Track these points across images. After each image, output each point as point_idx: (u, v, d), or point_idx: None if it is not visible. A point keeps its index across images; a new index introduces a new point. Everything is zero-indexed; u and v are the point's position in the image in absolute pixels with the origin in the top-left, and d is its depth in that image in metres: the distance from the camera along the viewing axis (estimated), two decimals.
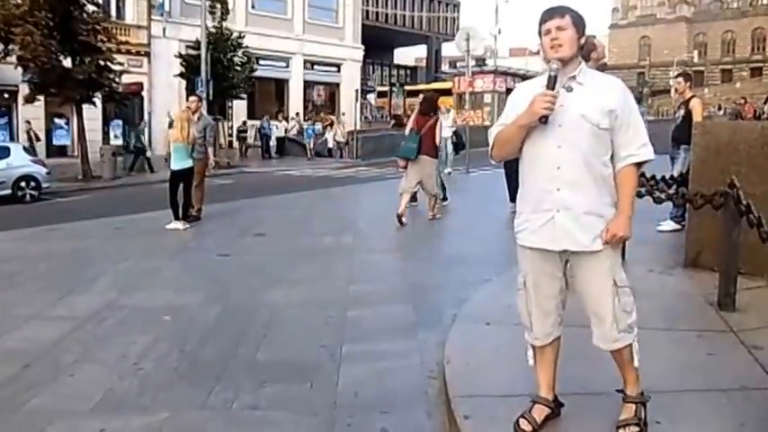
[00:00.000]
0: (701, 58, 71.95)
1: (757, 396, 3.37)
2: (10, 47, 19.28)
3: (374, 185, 16.49)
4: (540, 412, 3.09)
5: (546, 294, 2.99)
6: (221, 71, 24.51)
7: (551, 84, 2.78)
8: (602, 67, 6.03)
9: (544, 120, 2.76)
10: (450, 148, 15.73)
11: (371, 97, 43.27)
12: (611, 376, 3.56)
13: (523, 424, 3.04)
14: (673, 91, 47.73)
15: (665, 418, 3.13)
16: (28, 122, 22.86)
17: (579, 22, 2.83)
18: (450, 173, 15.91)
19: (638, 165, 2.86)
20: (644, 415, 2.96)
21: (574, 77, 2.84)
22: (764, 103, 29.28)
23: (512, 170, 10.25)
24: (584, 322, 4.75)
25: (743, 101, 28.34)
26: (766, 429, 3.06)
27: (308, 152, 28.47)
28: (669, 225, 7.72)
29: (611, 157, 2.83)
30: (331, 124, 30.89)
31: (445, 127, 14.40)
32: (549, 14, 2.83)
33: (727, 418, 3.16)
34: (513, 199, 10.32)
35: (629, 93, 2.90)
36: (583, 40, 2.85)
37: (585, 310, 2.96)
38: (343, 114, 32.58)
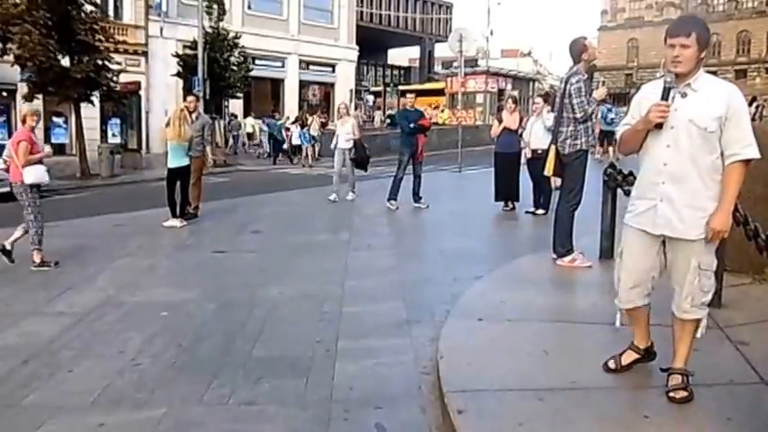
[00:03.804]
0: None
1: (743, 391, 3.45)
2: (8, 46, 19.27)
3: (368, 183, 16.51)
4: (628, 356, 3.61)
5: (637, 268, 3.39)
6: (218, 71, 24.49)
7: (665, 95, 3.14)
8: (592, 68, 6.12)
9: (659, 126, 3.17)
10: (348, 164, 11.97)
11: (370, 98, 43.22)
12: (601, 372, 3.66)
13: (610, 363, 3.62)
14: None
15: (652, 412, 3.21)
16: None
17: (703, 37, 3.14)
18: (352, 198, 12.06)
19: (746, 163, 3.11)
20: (689, 386, 3.29)
21: (689, 84, 3.17)
22: (749, 104, 29.44)
23: (501, 170, 10.35)
24: (573, 318, 4.84)
25: None
26: (752, 423, 3.12)
27: (310, 157, 24.56)
28: None
29: (722, 155, 3.13)
30: (302, 119, 27.88)
31: (341, 135, 11.96)
32: (676, 31, 3.15)
33: (714, 413, 3.23)
34: (497, 198, 10.41)
35: (737, 97, 3.15)
36: (704, 54, 3.15)
37: (671, 283, 3.33)
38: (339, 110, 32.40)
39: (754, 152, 3.10)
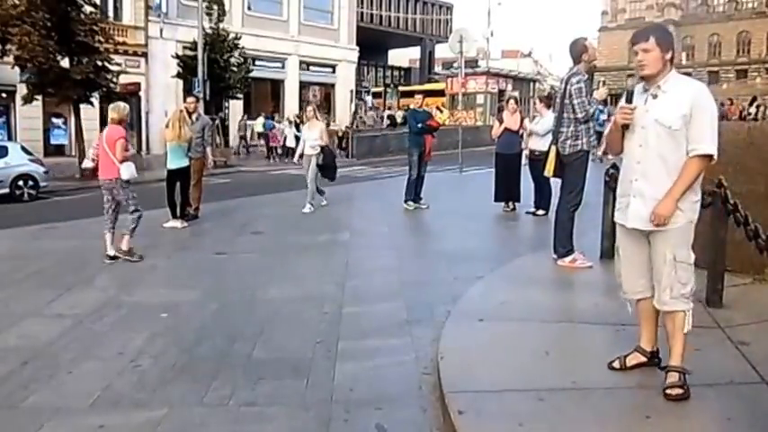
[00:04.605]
0: (688, 60, 72.32)
1: (744, 390, 3.45)
2: (7, 47, 19.29)
3: (369, 184, 16.53)
4: (634, 358, 3.66)
5: (633, 261, 3.54)
6: (218, 72, 24.53)
7: (629, 98, 3.42)
8: (593, 69, 6.12)
9: (626, 127, 3.40)
10: (312, 170, 10.86)
11: (369, 99, 43.26)
12: (602, 373, 3.66)
13: (615, 363, 3.67)
14: None
15: (654, 412, 3.22)
16: None
17: (664, 40, 3.35)
18: (309, 209, 10.78)
19: (705, 158, 3.26)
20: (686, 384, 3.33)
21: (659, 86, 3.36)
22: (749, 104, 29.37)
23: (502, 171, 10.34)
24: (574, 318, 4.84)
25: (729, 102, 28.34)
26: (753, 423, 3.12)
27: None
28: None
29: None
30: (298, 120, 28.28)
31: (308, 141, 11.02)
32: (636, 39, 3.39)
33: (715, 413, 3.25)
34: (497, 199, 10.40)
35: (703, 96, 3.31)
36: (669, 55, 3.35)
37: (653, 278, 3.46)
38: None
39: (709, 148, 3.24)
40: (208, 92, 23.13)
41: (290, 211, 11.47)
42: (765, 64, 65.24)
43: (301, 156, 11.29)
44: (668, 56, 3.34)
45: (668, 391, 3.31)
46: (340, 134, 29.17)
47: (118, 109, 7.70)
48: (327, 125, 27.67)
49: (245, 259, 7.53)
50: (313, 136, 10.94)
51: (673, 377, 3.35)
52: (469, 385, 3.54)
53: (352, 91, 34.30)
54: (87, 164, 7.99)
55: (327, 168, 11.10)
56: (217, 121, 26.83)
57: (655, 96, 3.36)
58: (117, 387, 3.93)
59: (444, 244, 8.16)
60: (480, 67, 42.11)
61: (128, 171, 7.41)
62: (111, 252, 7.39)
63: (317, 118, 11.29)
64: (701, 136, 3.24)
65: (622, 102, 3.47)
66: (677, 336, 3.39)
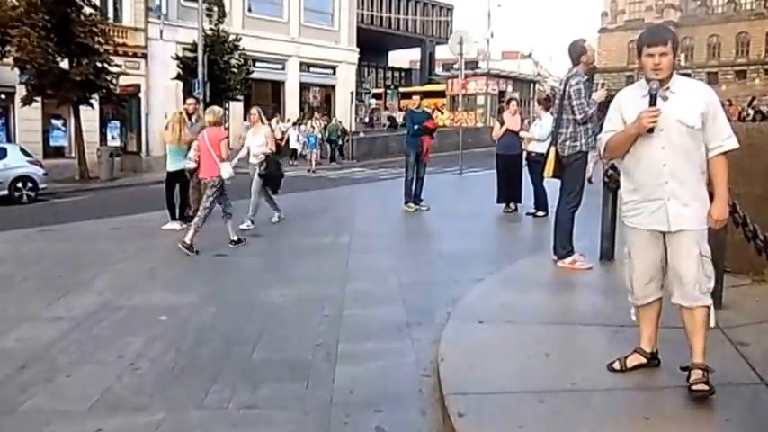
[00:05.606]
0: (687, 62, 72.50)
1: (743, 391, 3.45)
2: (7, 48, 19.31)
3: (370, 186, 16.54)
4: (634, 359, 3.64)
5: (649, 262, 3.51)
6: (218, 73, 24.54)
7: (653, 101, 3.31)
8: (592, 70, 6.11)
9: (651, 130, 3.32)
10: (255, 181, 9.90)
11: (374, 102, 43.26)
12: (602, 374, 3.66)
13: (615, 364, 3.64)
14: None
15: (653, 413, 3.21)
16: None
17: (676, 43, 3.38)
18: (248, 226, 9.43)
19: (726, 154, 3.35)
20: (710, 381, 3.29)
21: (668, 88, 3.37)
22: (748, 105, 29.50)
23: (503, 172, 10.34)
24: (574, 320, 4.84)
25: (728, 103, 28.47)
26: (752, 424, 3.12)
27: (313, 161, 25.63)
28: None
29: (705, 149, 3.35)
30: (299, 121, 29.12)
31: (252, 147, 9.91)
32: (655, 41, 3.34)
33: (714, 414, 3.23)
34: (500, 200, 10.39)
35: (712, 93, 3.43)
36: (677, 59, 3.38)
37: (670, 276, 3.44)
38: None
39: (734, 143, 3.35)
40: (208, 93, 23.13)
41: (289, 212, 11.47)
42: (764, 65, 65.35)
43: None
44: (676, 60, 3.37)
45: (694, 387, 3.26)
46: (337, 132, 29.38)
47: (213, 112, 8.23)
48: (299, 121, 28.15)
49: (245, 261, 7.53)
50: (258, 142, 9.75)
51: (697, 374, 3.30)
52: (469, 387, 3.53)
53: (352, 92, 34.31)
54: (190, 165, 8.47)
55: (271, 179, 9.95)
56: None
57: (665, 98, 3.34)
58: (116, 390, 3.92)
59: (444, 246, 8.16)
60: (480, 69, 42.20)
61: (227, 171, 7.86)
62: (235, 237, 8.09)
63: (262, 122, 10.23)
64: (725, 132, 3.33)
65: (645, 104, 3.35)
66: (699, 332, 3.37)
